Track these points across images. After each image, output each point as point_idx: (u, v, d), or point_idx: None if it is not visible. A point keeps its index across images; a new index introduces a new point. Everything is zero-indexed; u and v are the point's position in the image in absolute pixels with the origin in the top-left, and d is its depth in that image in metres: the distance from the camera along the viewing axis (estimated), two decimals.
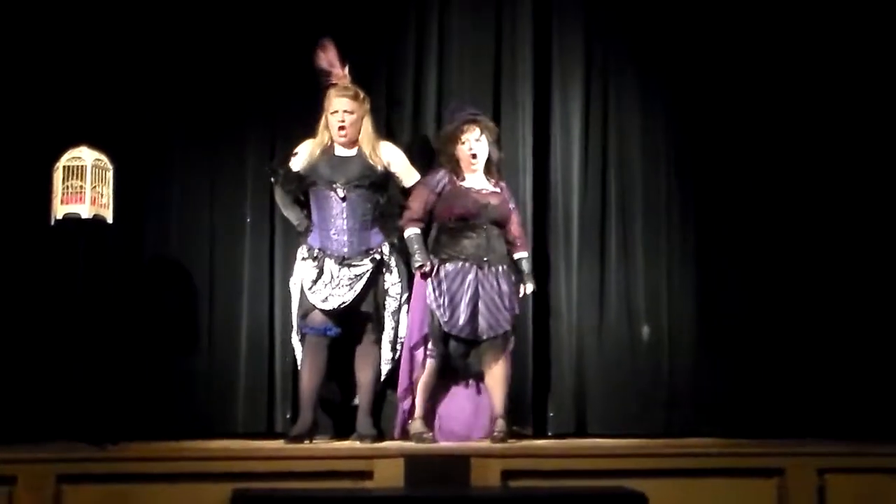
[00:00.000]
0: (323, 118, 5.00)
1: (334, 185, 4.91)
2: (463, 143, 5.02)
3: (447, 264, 4.95)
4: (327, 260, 4.88)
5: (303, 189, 4.98)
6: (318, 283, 4.87)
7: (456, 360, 4.95)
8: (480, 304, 4.92)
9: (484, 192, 5.04)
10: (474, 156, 5.02)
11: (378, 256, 4.95)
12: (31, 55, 5.06)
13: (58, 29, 5.11)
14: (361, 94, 5.01)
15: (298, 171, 4.97)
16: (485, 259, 4.95)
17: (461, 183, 5.03)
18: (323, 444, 4.86)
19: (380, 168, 4.99)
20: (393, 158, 5.05)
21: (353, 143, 4.99)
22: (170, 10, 5.25)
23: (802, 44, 5.60)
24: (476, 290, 4.92)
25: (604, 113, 5.61)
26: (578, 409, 5.43)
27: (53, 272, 4.96)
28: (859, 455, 4.73)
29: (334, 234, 4.90)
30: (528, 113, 5.49)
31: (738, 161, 5.58)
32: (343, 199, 4.92)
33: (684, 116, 5.62)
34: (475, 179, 5.06)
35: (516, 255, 5.11)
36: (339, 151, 4.98)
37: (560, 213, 5.51)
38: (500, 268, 4.98)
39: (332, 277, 4.87)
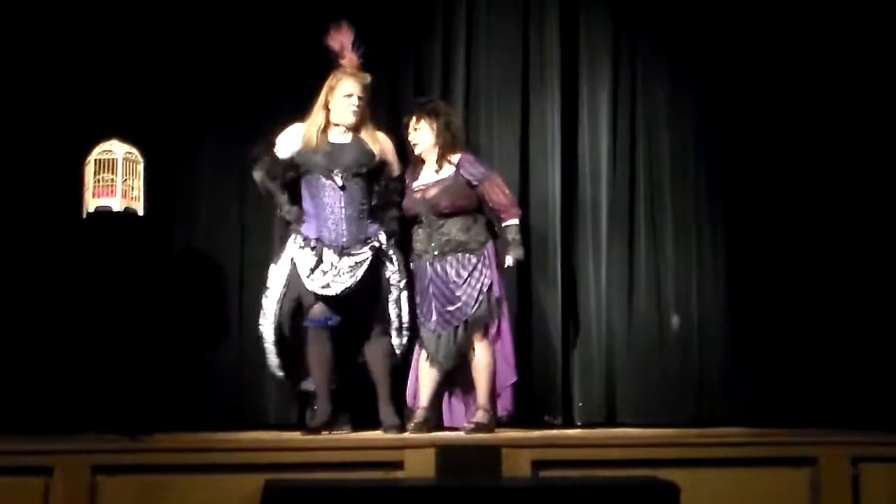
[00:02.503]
0: (323, 99, 4.90)
1: (332, 173, 4.86)
2: (407, 134, 5.05)
3: (412, 261, 5.03)
4: (325, 249, 4.82)
5: (293, 177, 4.91)
6: (317, 272, 4.80)
7: (441, 350, 4.91)
8: (433, 298, 4.93)
9: (422, 185, 5.01)
10: (415, 145, 5.03)
11: (376, 244, 4.91)
12: (62, 50, 5.11)
13: (88, 23, 5.14)
14: (369, 79, 4.96)
15: (291, 158, 4.88)
16: (435, 253, 4.94)
17: (412, 181, 5.05)
18: (353, 435, 4.88)
19: (376, 156, 4.95)
20: (386, 147, 5.02)
21: (354, 129, 4.94)
22: (197, 6, 5.27)
23: (834, 30, 5.54)
24: (428, 283, 4.94)
25: (632, 103, 5.59)
26: (608, 399, 5.42)
27: (85, 265, 5.00)
28: (894, 444, 4.68)
29: (332, 223, 4.85)
30: (557, 103, 5.48)
31: (769, 149, 5.55)
32: (342, 188, 4.87)
33: (714, 105, 5.59)
34: (426, 171, 5.04)
35: (503, 225, 5.02)
36: (335, 138, 4.90)
37: (588, 203, 5.49)
38: (454, 258, 4.92)
39: (331, 266, 4.82)
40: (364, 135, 4.95)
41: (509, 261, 5.00)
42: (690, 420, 5.35)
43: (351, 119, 4.91)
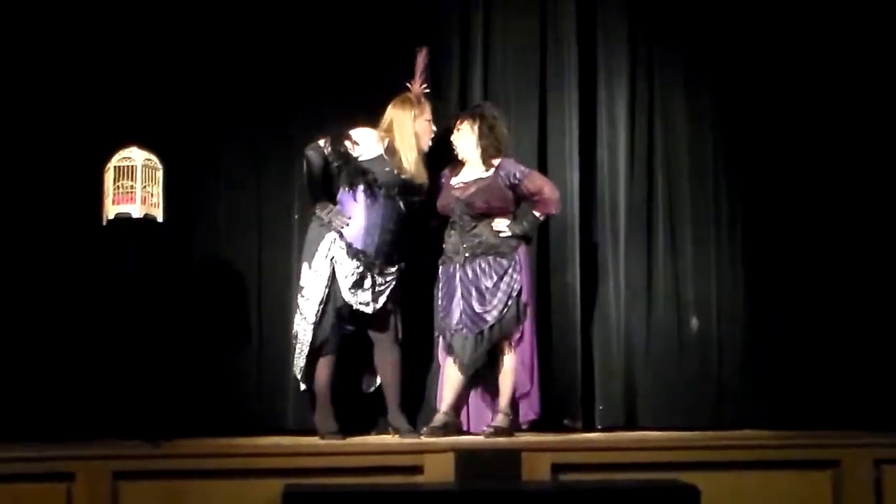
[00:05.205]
0: (402, 122, 4.94)
1: (395, 193, 4.92)
2: (451, 135, 5.09)
3: (441, 263, 5.03)
4: (370, 265, 4.87)
5: (360, 184, 4.93)
6: (360, 288, 4.87)
7: (467, 353, 4.91)
8: (462, 302, 4.93)
9: (460, 184, 5.02)
10: (456, 147, 5.06)
11: (402, 264, 4.99)
12: (81, 57, 5.13)
13: (107, 31, 5.17)
14: None
15: (357, 159, 4.91)
16: (466, 255, 4.94)
17: (451, 178, 5.06)
18: (373, 440, 4.88)
19: (425, 187, 5.01)
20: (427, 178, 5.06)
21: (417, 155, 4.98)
22: (216, 10, 5.29)
23: (850, 31, 5.51)
24: (457, 286, 4.95)
25: (650, 103, 5.58)
26: (628, 402, 5.40)
27: (105, 271, 5.02)
28: None
29: (380, 240, 4.90)
30: (574, 104, 5.47)
31: (787, 152, 5.53)
32: (400, 209, 4.94)
33: (732, 107, 5.57)
34: (466, 171, 5.06)
35: (535, 213, 5.02)
36: (407, 160, 4.92)
37: (607, 206, 5.48)
38: (485, 261, 4.93)
39: (372, 283, 4.88)
40: (418, 163, 4.98)
41: (502, 225, 4.95)
42: (711, 422, 5.32)
43: (428, 145, 5.00)
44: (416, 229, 5.08)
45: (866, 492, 4.51)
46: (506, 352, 4.93)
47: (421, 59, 5.05)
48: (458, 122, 5.08)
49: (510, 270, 4.93)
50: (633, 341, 5.44)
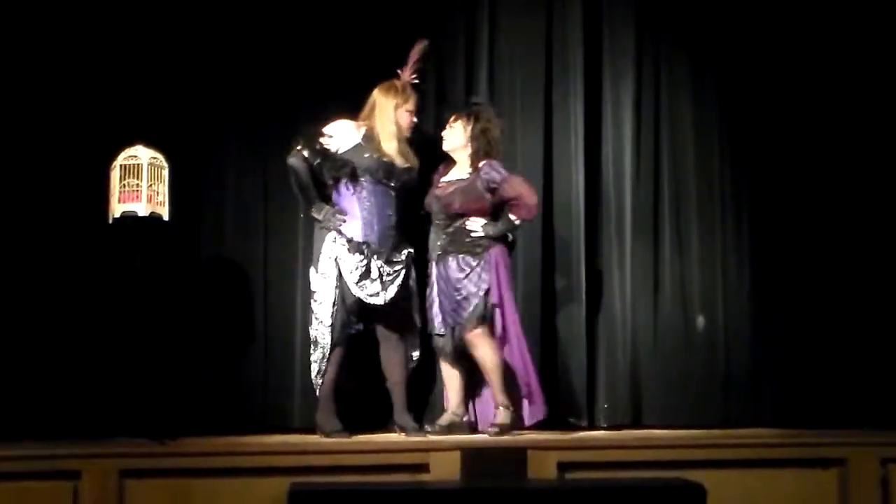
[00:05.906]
0: (384, 109, 4.94)
1: (385, 179, 4.92)
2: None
3: (428, 260, 5.05)
4: (373, 256, 4.87)
5: (343, 175, 4.93)
6: (366, 279, 4.87)
7: (446, 349, 4.94)
8: (438, 298, 4.95)
9: (443, 183, 5.04)
10: (443, 142, 5.07)
11: (410, 251, 4.99)
12: (87, 56, 5.14)
13: (113, 30, 5.17)
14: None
15: (338, 152, 4.91)
16: (438, 253, 4.97)
17: (442, 176, 5.07)
18: (378, 438, 4.88)
19: (415, 169, 5.01)
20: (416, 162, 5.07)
21: (402, 140, 4.99)
22: (222, 8, 5.30)
23: (855, 31, 5.50)
24: (434, 283, 4.97)
25: (655, 102, 5.57)
26: (634, 400, 5.40)
27: (111, 270, 5.03)
28: None
29: (380, 228, 4.90)
30: (580, 103, 5.47)
31: (793, 150, 5.52)
32: (396, 195, 4.95)
33: (737, 106, 5.57)
34: (454, 171, 5.07)
35: (511, 217, 4.97)
36: (387, 146, 4.94)
37: (613, 205, 5.48)
38: (454, 259, 4.93)
39: (378, 273, 4.88)
40: (406, 147, 5.00)
41: (476, 225, 4.94)
42: (717, 421, 5.32)
43: (407, 132, 5.01)
44: (420, 224, 5.09)
45: (872, 490, 4.51)
46: (480, 347, 4.89)
47: (416, 50, 5.05)
48: (453, 118, 5.08)
49: (477, 269, 4.92)
50: (638, 339, 5.44)
